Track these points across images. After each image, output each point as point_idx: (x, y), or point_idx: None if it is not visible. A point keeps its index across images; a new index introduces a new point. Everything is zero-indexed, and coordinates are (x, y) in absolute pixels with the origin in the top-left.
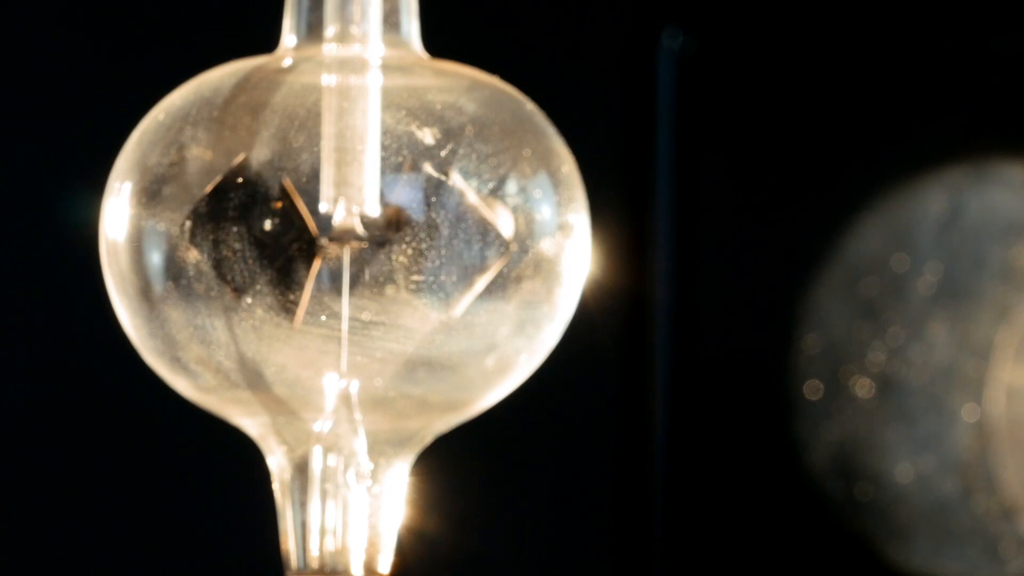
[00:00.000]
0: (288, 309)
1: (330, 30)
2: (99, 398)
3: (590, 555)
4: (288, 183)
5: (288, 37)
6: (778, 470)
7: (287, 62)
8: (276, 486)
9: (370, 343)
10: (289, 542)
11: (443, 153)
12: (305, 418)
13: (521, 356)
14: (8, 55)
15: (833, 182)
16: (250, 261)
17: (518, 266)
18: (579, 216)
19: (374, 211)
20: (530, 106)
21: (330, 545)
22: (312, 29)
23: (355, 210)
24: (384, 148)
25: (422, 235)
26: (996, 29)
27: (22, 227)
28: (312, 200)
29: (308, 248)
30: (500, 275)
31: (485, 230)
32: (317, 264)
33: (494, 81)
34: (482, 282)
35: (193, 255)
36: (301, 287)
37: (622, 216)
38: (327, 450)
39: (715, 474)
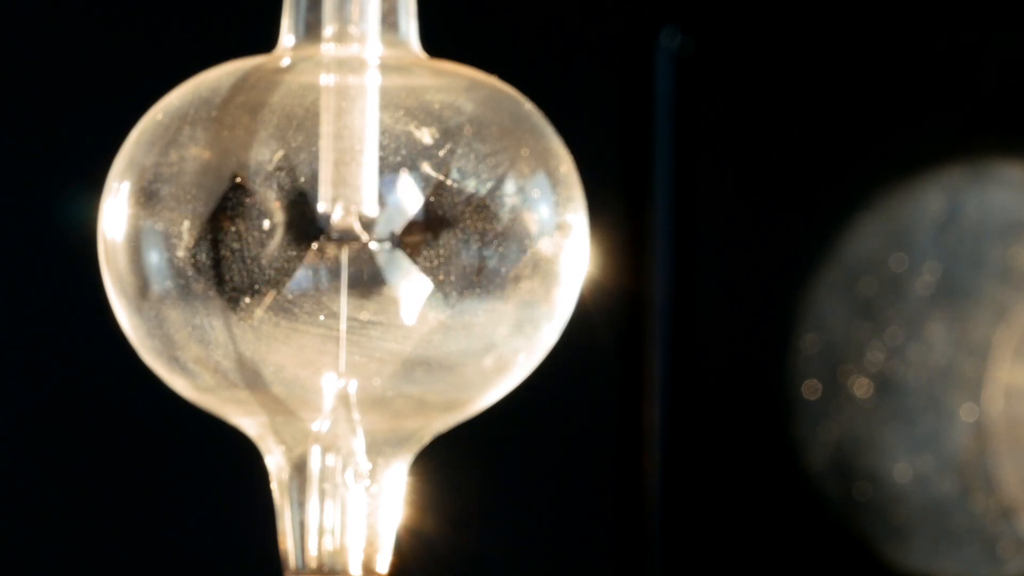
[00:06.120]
0: (286, 309)
1: (328, 30)
2: (97, 398)
3: (589, 555)
4: (286, 182)
5: (286, 37)
6: (776, 470)
7: (285, 62)
8: (274, 486)
9: (368, 343)
10: (287, 542)
11: (441, 153)
12: (303, 418)
13: (519, 356)
14: (7, 55)
15: (832, 182)
16: (248, 261)
17: (516, 266)
18: (577, 216)
19: (372, 211)
20: (528, 106)
21: (328, 545)
22: (310, 29)
23: (353, 210)
24: (382, 148)
25: (420, 235)
26: (995, 28)
27: (21, 227)
28: (310, 200)
29: (306, 248)
30: (498, 275)
31: (484, 230)
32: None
33: (492, 81)
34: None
35: (191, 255)
36: (300, 287)
37: (620, 216)
38: (325, 450)
39: (713, 474)
